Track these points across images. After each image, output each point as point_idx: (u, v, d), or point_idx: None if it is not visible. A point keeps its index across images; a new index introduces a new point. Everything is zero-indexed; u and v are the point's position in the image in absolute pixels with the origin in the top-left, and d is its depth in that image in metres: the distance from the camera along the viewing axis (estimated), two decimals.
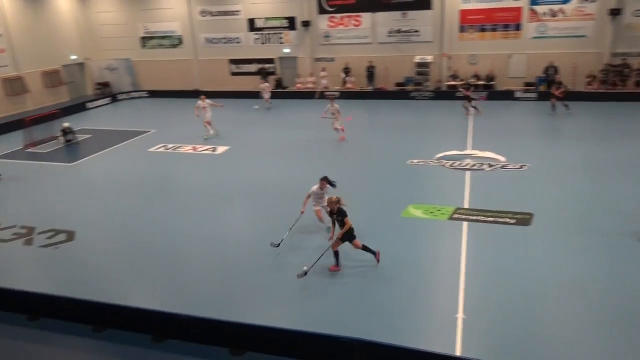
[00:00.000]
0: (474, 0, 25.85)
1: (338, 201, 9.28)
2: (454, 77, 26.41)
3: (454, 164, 15.44)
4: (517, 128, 19.83)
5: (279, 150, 18.29)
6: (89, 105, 29.26)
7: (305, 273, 9.21)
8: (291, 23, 29.22)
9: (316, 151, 17.88)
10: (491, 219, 11.45)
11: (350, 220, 9.24)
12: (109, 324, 8.17)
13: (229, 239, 11.45)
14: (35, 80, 28.64)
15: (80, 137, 21.49)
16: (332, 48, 28.99)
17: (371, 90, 27.99)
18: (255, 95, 27.20)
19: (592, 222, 11.11)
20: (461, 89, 22.82)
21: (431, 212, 12.02)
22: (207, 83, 31.37)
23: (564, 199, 12.49)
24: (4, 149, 20.26)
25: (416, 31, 27.21)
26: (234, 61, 31.16)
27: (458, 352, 7.18)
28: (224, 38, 30.86)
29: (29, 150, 20.07)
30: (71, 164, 18.18)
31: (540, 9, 25.04)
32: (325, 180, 10.68)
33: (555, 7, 24.78)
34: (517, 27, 25.66)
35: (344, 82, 28.45)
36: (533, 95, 24.96)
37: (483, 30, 26.25)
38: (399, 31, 27.52)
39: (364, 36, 28.22)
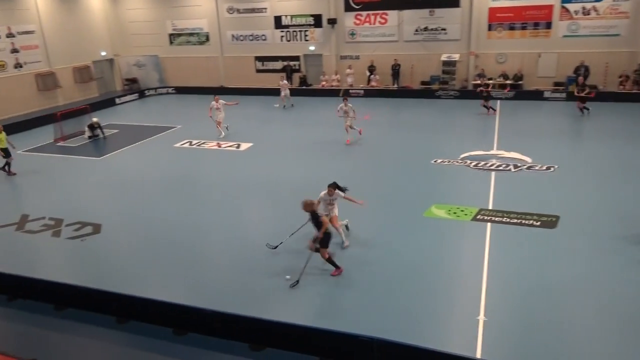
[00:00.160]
0: None
1: (312, 204, 9.23)
2: (481, 76, 26.00)
3: (479, 164, 15.23)
4: (545, 129, 19.40)
5: (304, 148, 18.29)
6: (118, 100, 29.85)
7: (297, 282, 9.15)
8: (317, 20, 29.22)
9: (341, 150, 17.82)
10: (515, 220, 11.26)
11: (369, 220, 9.12)
12: (132, 316, 8.34)
13: (252, 236, 11.48)
14: (67, 76, 29.36)
15: (108, 132, 21.96)
16: (358, 46, 28.89)
17: (396, 88, 27.81)
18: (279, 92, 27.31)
19: (621, 227, 10.79)
20: (481, 88, 22.46)
21: (454, 213, 11.88)
22: (233, 80, 31.65)
23: (592, 202, 12.18)
24: (36, 142, 20.82)
25: (443, 29, 26.89)
26: (259, 58, 31.35)
27: (478, 355, 7.08)
28: (250, 35, 31.06)
29: (59, 144, 20.60)
30: (99, 158, 18.56)
31: (572, 7, 24.46)
32: (334, 187, 10.10)
33: (588, 5, 24.18)
34: (548, 26, 25.13)
35: (369, 81, 28.34)
36: (562, 95, 24.41)
37: (512, 28, 25.80)
38: (425, 29, 27.25)
39: (390, 34, 28.03)
